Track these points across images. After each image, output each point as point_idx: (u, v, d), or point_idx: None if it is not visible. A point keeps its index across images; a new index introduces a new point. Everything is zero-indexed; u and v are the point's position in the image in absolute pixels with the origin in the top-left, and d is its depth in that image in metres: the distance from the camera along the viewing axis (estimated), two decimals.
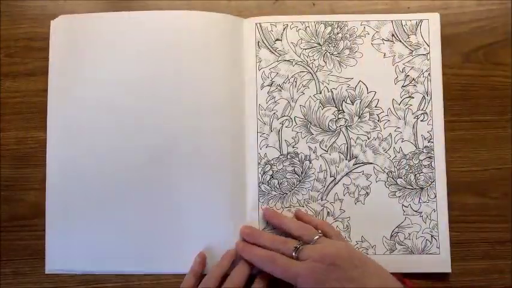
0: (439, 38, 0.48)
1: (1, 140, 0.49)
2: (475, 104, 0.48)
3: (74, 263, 0.47)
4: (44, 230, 0.47)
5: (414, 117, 0.47)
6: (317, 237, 0.42)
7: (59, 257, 0.47)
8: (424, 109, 0.47)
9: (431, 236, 0.46)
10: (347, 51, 0.48)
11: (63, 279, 0.47)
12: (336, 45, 0.48)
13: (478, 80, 0.48)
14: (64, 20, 0.49)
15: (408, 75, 0.47)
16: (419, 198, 0.47)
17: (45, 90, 0.48)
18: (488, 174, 0.47)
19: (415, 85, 0.47)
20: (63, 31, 0.49)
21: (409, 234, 0.46)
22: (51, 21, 0.49)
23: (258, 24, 0.48)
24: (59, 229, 0.47)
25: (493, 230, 0.47)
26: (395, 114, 0.47)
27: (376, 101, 0.47)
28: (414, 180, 0.47)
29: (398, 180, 0.47)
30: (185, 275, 0.45)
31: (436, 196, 0.46)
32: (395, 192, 0.47)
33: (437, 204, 0.46)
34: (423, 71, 0.47)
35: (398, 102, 0.47)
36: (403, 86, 0.47)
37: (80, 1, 0.50)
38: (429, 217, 0.46)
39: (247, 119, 0.48)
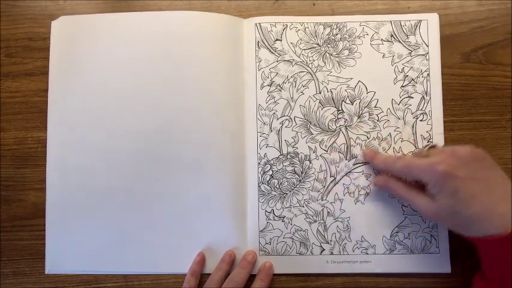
0: (438, 38, 0.48)
1: (1, 140, 0.49)
2: (475, 104, 0.48)
3: (74, 263, 0.47)
4: (44, 230, 0.47)
5: (413, 117, 0.47)
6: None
7: (59, 257, 0.47)
8: (423, 109, 0.47)
9: (431, 236, 0.46)
10: (346, 52, 0.48)
11: (63, 279, 0.47)
12: (335, 46, 0.48)
13: (478, 80, 0.48)
14: (64, 21, 0.49)
15: (407, 75, 0.47)
16: None
17: (45, 90, 0.48)
18: None
19: (414, 85, 0.47)
20: (63, 31, 0.49)
21: (409, 234, 0.46)
22: (52, 22, 0.49)
23: (258, 25, 0.48)
24: (59, 229, 0.47)
25: None
26: (394, 114, 0.47)
27: (376, 101, 0.47)
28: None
29: None
30: (185, 275, 0.46)
31: None
32: None
33: None
34: (422, 71, 0.47)
35: (398, 102, 0.47)
36: (402, 86, 0.47)
37: (80, 1, 0.50)
38: None
39: (247, 119, 0.48)
